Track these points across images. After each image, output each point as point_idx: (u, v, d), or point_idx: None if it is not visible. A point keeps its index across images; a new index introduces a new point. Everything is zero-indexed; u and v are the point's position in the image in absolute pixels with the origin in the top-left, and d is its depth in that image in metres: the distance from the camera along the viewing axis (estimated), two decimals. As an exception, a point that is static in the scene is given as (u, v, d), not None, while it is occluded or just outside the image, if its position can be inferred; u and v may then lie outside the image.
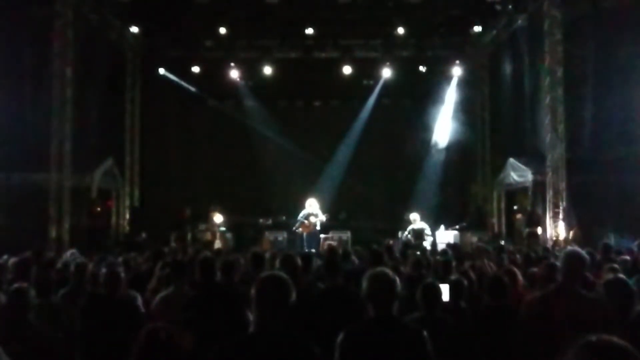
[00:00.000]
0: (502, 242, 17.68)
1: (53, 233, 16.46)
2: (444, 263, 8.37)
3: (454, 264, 8.74)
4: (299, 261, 6.95)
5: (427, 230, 18.24)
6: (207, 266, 6.15)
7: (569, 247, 5.60)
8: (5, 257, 9.58)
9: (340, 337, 3.98)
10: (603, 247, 10.33)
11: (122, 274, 6.54)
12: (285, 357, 3.53)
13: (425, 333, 4.08)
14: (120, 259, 9.77)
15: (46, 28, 16.89)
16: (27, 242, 14.09)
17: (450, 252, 11.14)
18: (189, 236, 19.30)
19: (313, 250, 17.12)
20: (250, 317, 3.93)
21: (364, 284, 4.24)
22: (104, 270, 6.74)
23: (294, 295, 3.69)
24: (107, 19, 19.90)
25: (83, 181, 18.20)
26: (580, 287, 4.97)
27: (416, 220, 18.44)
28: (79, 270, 7.64)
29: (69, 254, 11.34)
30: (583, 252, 5.26)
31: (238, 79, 22.94)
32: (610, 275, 5.31)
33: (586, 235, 16.18)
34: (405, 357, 3.98)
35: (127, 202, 22.24)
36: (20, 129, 17.54)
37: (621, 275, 5.26)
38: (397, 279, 4.23)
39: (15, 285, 5.66)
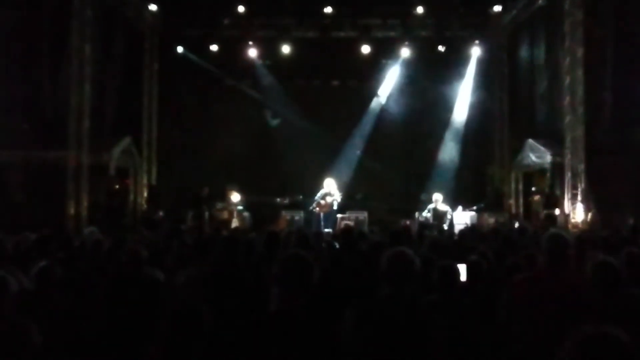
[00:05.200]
0: (517, 224, 17.68)
1: (71, 211, 16.56)
2: (460, 244, 8.35)
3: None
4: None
5: (449, 215, 18.25)
6: (231, 245, 6.17)
7: (552, 230, 5.51)
8: (26, 234, 9.61)
9: (349, 311, 3.94)
10: (631, 228, 10.07)
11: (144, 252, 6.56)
12: (307, 336, 3.54)
13: (437, 316, 4.06)
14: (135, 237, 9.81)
15: (65, 5, 16.90)
16: (45, 220, 14.25)
17: (468, 232, 11.12)
18: (207, 215, 19.36)
19: (329, 230, 17.21)
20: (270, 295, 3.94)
21: (383, 262, 4.21)
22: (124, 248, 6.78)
23: (316, 275, 3.70)
24: (125, -4, 19.94)
25: (101, 159, 18.25)
26: (564, 270, 4.93)
27: (438, 201, 18.44)
28: (96, 248, 7.69)
29: (88, 231, 11.40)
30: (566, 234, 5.23)
31: (256, 58, 22.91)
32: (597, 258, 5.26)
33: (604, 217, 16.11)
34: (413, 337, 3.95)
35: (145, 180, 22.29)
36: (39, 107, 17.63)
37: (608, 258, 5.20)
38: (417, 260, 4.21)
39: (42, 263, 5.69)
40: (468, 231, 11.72)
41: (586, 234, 11.36)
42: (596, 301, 4.71)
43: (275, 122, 23.89)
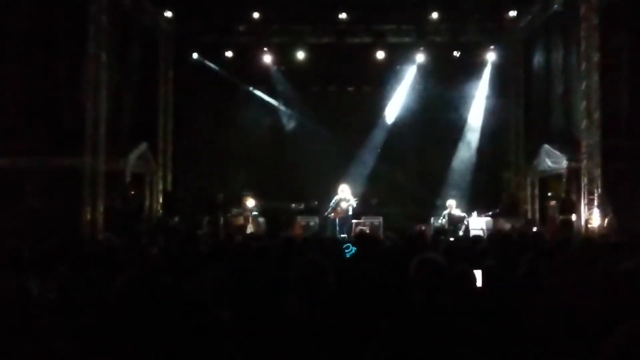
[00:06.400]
0: (535, 229, 17.59)
1: (87, 217, 16.61)
2: (478, 249, 8.31)
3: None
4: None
5: (465, 221, 18.23)
6: (243, 250, 6.18)
7: (584, 236, 5.49)
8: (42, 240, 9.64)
9: (384, 319, 3.94)
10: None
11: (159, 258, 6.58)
12: (324, 341, 3.54)
13: (476, 320, 4.05)
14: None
15: (81, 13, 16.99)
16: (61, 226, 14.32)
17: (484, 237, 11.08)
18: (222, 220, 19.40)
19: (344, 236, 17.21)
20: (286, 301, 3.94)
21: (412, 268, 4.21)
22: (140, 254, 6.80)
23: (331, 280, 3.70)
24: (141, 3, 20.01)
25: (117, 165, 18.32)
26: (595, 276, 4.90)
27: (452, 207, 18.46)
28: (112, 253, 7.70)
29: (104, 237, 11.44)
30: (600, 241, 5.21)
31: (271, 64, 22.96)
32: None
33: (621, 222, 16.02)
34: (449, 343, 3.94)
35: (160, 186, 22.37)
36: (56, 114, 17.73)
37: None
38: (445, 266, 4.22)
39: (62, 269, 5.71)
40: (482, 237, 11.69)
41: (598, 239, 11.29)
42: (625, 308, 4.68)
43: (291, 125, 23.92)
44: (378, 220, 19.40)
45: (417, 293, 4.16)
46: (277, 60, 22.98)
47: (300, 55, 22.17)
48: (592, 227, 16.29)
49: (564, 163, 18.37)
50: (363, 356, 3.70)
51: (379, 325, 3.93)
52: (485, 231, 17.25)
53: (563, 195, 18.31)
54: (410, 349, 3.86)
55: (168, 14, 21.36)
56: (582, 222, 16.59)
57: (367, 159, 23.03)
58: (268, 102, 23.86)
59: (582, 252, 5.02)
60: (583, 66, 16.78)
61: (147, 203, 21.39)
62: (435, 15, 20.77)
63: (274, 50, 22.65)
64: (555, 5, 19.07)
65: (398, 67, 23.25)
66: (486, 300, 5.69)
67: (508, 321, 5.18)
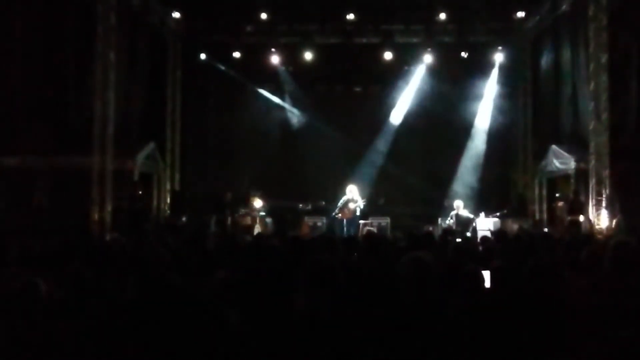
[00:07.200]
0: (546, 230, 17.55)
1: (95, 216, 16.62)
2: (486, 249, 8.30)
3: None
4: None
5: (473, 222, 18.20)
6: (251, 250, 6.18)
7: (620, 236, 5.47)
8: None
9: (372, 316, 3.94)
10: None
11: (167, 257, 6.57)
12: (332, 339, 3.54)
13: (460, 320, 4.05)
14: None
15: (90, 12, 17.02)
16: (69, 225, 14.37)
17: (492, 238, 11.06)
18: (229, 220, 19.43)
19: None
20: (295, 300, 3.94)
21: (402, 267, 4.21)
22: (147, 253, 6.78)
23: (341, 279, 3.70)
24: (150, 3, 20.06)
25: (125, 164, 18.34)
26: (627, 276, 4.89)
27: (460, 207, 18.44)
28: (119, 253, 7.72)
29: (111, 237, 11.46)
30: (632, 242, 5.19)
31: (278, 64, 22.98)
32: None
33: (630, 223, 15.97)
34: (435, 341, 3.94)
35: (168, 186, 22.41)
36: (64, 113, 17.77)
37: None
38: (435, 264, 4.21)
39: (73, 266, 5.72)
40: (490, 237, 11.66)
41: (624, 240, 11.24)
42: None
43: (298, 125, 23.91)
44: (385, 221, 19.40)
45: (406, 291, 4.15)
46: (285, 61, 23.01)
47: (308, 55, 22.18)
48: (600, 227, 16.26)
49: (572, 164, 18.32)
50: (368, 355, 3.70)
51: (379, 324, 3.93)
52: (493, 232, 17.20)
53: (571, 195, 18.26)
54: (403, 346, 3.86)
55: (176, 14, 21.42)
56: (590, 223, 16.55)
57: (375, 159, 23.03)
58: (275, 102, 23.89)
59: (618, 253, 4.99)
60: (591, 66, 16.74)
61: (154, 203, 21.44)
62: (443, 15, 20.75)
63: (281, 51, 22.68)
64: (564, 6, 19.04)
65: (406, 67, 23.25)
66: (494, 301, 5.69)
67: (515, 321, 5.18)
